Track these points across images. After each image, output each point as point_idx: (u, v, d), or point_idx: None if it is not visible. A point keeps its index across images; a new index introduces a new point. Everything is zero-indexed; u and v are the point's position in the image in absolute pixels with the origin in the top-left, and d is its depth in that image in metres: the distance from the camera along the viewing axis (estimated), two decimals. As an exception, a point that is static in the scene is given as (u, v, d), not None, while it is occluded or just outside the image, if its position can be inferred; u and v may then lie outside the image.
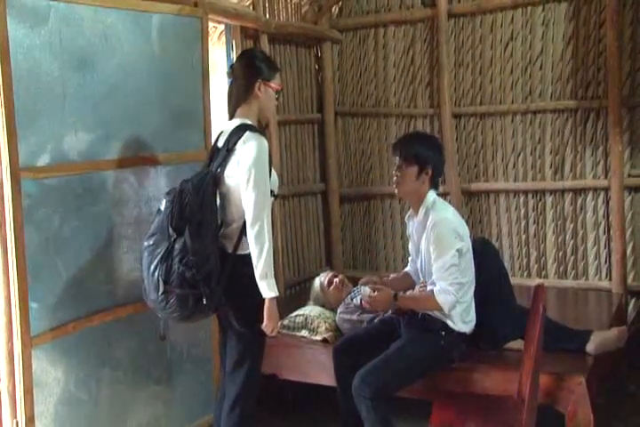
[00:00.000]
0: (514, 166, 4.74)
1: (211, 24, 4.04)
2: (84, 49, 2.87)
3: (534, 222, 4.71)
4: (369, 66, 5.14)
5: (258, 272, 2.57)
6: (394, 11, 5.00)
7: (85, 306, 2.91)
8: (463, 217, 4.58)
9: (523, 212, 4.74)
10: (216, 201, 2.67)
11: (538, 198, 4.70)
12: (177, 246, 2.54)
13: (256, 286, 2.59)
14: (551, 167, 4.62)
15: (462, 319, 3.01)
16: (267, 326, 2.64)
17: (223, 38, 4.50)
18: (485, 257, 3.24)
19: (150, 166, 3.22)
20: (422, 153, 3.00)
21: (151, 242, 2.61)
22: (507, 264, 4.32)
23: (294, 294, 4.83)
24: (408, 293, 3.14)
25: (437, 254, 2.90)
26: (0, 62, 2.49)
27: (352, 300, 3.63)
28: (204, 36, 3.51)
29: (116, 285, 3.05)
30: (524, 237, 4.75)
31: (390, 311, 3.25)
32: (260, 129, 4.57)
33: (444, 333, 2.99)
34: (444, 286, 2.88)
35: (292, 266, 4.95)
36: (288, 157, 4.96)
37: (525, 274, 4.77)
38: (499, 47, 4.69)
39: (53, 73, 2.75)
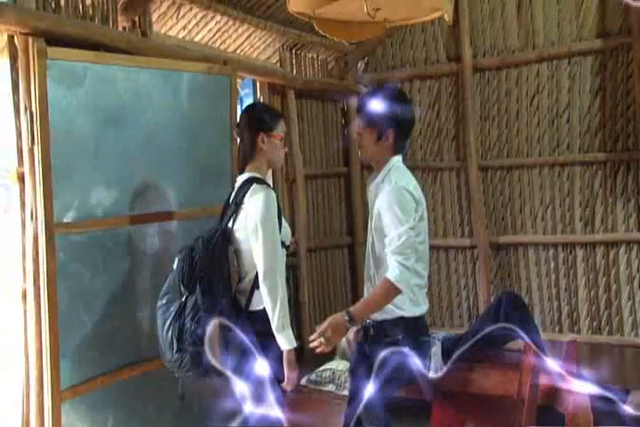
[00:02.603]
0: (542, 219, 4.79)
1: (239, 80, 4.23)
2: (116, 107, 3.06)
3: (565, 276, 4.73)
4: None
5: (274, 325, 2.59)
6: (419, 66, 5.18)
7: (114, 360, 2.99)
8: (491, 270, 4.60)
9: (553, 265, 4.77)
10: (228, 257, 2.71)
11: (568, 251, 4.73)
12: (189, 304, 2.58)
13: (269, 344, 2.61)
14: (581, 220, 4.66)
15: (411, 299, 2.65)
16: (287, 379, 2.63)
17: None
18: (514, 311, 3.24)
19: (178, 221, 3.34)
20: (381, 115, 2.64)
21: (164, 301, 2.67)
22: (537, 319, 4.33)
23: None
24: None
25: (391, 224, 2.54)
26: (39, 124, 2.68)
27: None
28: (232, 93, 3.68)
29: (144, 339, 3.13)
30: (554, 291, 4.76)
31: (351, 337, 2.98)
32: (288, 184, 4.84)
33: (406, 341, 2.66)
34: (398, 259, 2.50)
35: (319, 319, 4.97)
36: (315, 211, 5.09)
37: (557, 329, 4.75)
38: (524, 100, 4.82)
39: (87, 131, 2.93)
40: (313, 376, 3.76)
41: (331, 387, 3.69)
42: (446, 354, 3.38)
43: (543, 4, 4.69)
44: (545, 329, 4.67)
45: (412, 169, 5.04)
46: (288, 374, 2.63)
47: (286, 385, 2.65)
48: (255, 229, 2.59)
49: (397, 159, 2.69)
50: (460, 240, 5.09)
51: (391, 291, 2.50)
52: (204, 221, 3.40)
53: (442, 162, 5.14)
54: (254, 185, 2.65)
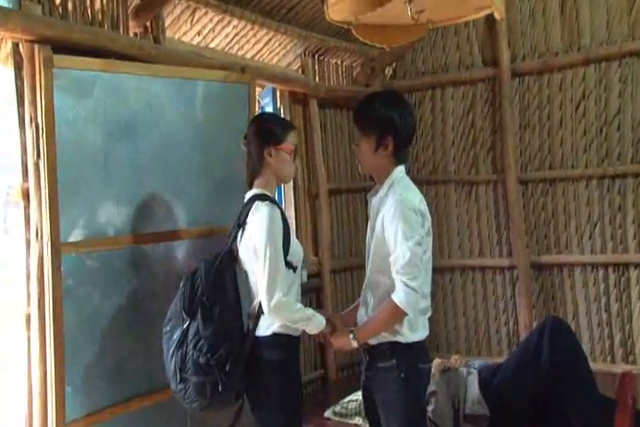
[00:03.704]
0: (590, 237, 4.75)
1: (258, 89, 4.27)
2: (127, 118, 3.10)
3: (617, 300, 4.67)
4: (425, 130, 5.31)
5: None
6: (452, 71, 5.20)
7: (123, 390, 3.01)
8: (533, 293, 4.55)
9: (603, 287, 4.71)
10: (234, 279, 2.72)
11: (620, 273, 4.67)
12: (191, 331, 2.60)
13: (274, 374, 2.63)
14: (635, 238, 4.60)
15: (410, 323, 2.60)
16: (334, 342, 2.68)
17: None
18: (559, 338, 3.22)
19: (193, 240, 3.37)
20: (377, 122, 2.61)
21: (168, 328, 2.69)
22: (585, 347, 4.25)
23: (346, 376, 4.85)
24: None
25: (395, 239, 2.49)
26: (45, 136, 2.73)
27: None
28: (250, 102, 3.71)
29: (156, 367, 3.08)
30: (604, 316, 4.69)
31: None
32: (310, 199, 4.84)
33: (401, 367, 2.61)
34: (404, 280, 2.46)
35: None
36: (340, 228, 5.10)
37: (609, 359, 4.67)
38: (569, 107, 4.80)
39: (96, 144, 2.97)
40: (338, 408, 3.75)
41: (357, 420, 3.68)
42: (483, 384, 3.35)
43: (590, 1, 4.67)
44: (595, 359, 4.61)
45: (445, 183, 5.20)
46: (331, 339, 2.70)
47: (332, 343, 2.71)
48: (256, 248, 2.60)
49: (400, 170, 2.66)
50: (498, 260, 5.06)
51: (396, 314, 2.50)
52: (222, 239, 3.42)
53: (477, 175, 5.14)
54: (256, 202, 2.66)
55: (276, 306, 2.53)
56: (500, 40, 4.93)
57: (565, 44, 4.78)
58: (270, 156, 2.72)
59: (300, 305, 2.62)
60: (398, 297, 2.46)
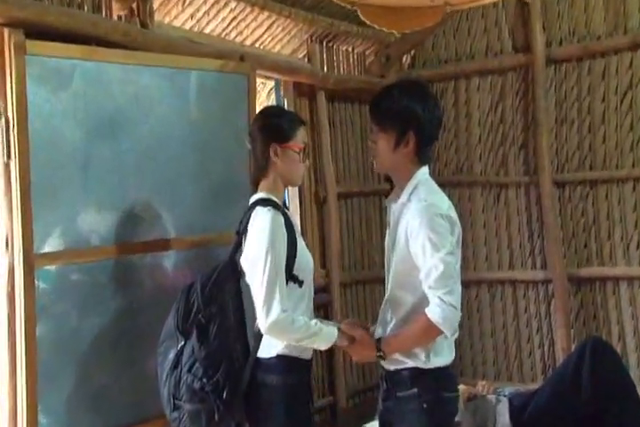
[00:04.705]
0: (638, 246, 4.73)
1: (259, 80, 4.26)
2: (111, 114, 3.08)
3: (670, 319, 4.65)
4: (448, 125, 5.27)
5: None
6: (478, 58, 5.19)
7: (106, 421, 2.98)
8: (571, 311, 4.51)
9: (652, 304, 4.69)
10: (236, 295, 2.70)
11: (674, 288, 4.65)
12: (185, 352, 2.61)
13: (278, 403, 2.60)
14: (690, 248, 4.60)
15: (435, 350, 2.56)
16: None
17: (274, 95, 4.73)
18: (601, 363, 3.20)
19: (187, 250, 3.35)
20: (397, 115, 2.55)
21: (161, 349, 2.70)
22: (633, 373, 4.21)
23: (358, 403, 4.84)
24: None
25: (424, 252, 2.43)
26: (17, 133, 2.70)
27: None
28: (250, 95, 3.70)
29: (144, 394, 3.10)
30: (655, 337, 4.68)
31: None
32: (318, 204, 4.82)
33: (423, 397, 2.56)
34: (439, 295, 2.40)
35: (356, 369, 4.95)
36: (350, 237, 5.09)
37: (661, 386, 4.65)
38: (613, 98, 4.78)
39: (76, 143, 2.95)
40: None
41: (372, 456, 3.64)
42: (515, 414, 3.32)
43: (637, -22, 4.65)
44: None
45: (470, 186, 5.18)
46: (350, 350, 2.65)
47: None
48: (253, 258, 2.58)
49: (424, 171, 2.60)
50: (532, 273, 5.04)
51: (430, 332, 2.44)
52: (221, 249, 3.40)
53: (507, 176, 5.12)
54: (257, 208, 2.64)
55: (273, 324, 2.48)
56: (533, 22, 4.90)
57: (609, 26, 4.75)
58: (276, 155, 2.69)
59: (303, 320, 2.55)
60: (434, 312, 2.39)
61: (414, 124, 2.52)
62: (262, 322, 2.51)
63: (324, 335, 2.57)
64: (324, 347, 2.60)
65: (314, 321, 2.58)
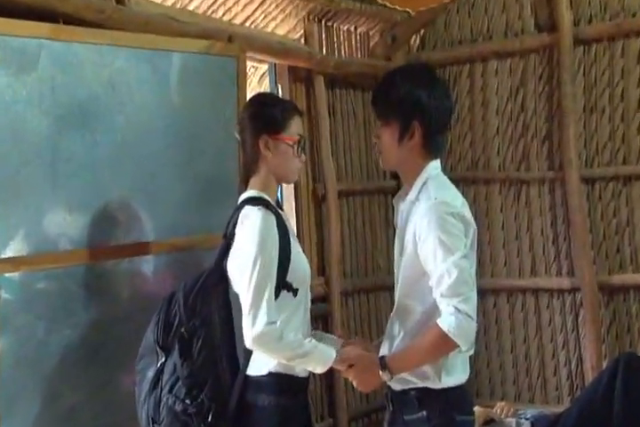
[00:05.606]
0: (677, 251, 4.74)
1: (249, 63, 4.25)
2: (82, 101, 3.07)
3: None
4: (462, 114, 5.29)
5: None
6: (497, 39, 5.18)
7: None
8: (602, 323, 4.51)
9: (694, 316, 4.71)
10: (222, 306, 2.69)
11: None
12: (166, 370, 2.62)
13: (268, 425, 2.60)
14: None
15: (446, 368, 2.55)
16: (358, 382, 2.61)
17: (267, 81, 4.71)
18: (637, 382, 3.19)
19: (169, 254, 3.36)
20: (401, 103, 2.54)
21: (140, 367, 2.71)
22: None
23: (362, 427, 4.83)
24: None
25: (435, 255, 2.42)
26: (-26, 121, 2.69)
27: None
28: (240, 81, 3.69)
29: (118, 417, 3.10)
30: (696, 353, 4.68)
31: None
32: (316, 203, 4.81)
33: (433, 421, 2.55)
34: (453, 303, 2.37)
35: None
36: (352, 239, 5.09)
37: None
38: (651, 83, 4.79)
39: (42, 133, 2.94)
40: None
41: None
42: None
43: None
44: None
45: (487, 182, 5.18)
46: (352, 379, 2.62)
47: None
48: (240, 263, 2.58)
49: (435, 166, 2.60)
50: (557, 280, 5.03)
51: (443, 345, 2.41)
52: (207, 254, 3.38)
53: (529, 172, 5.12)
54: (246, 208, 2.63)
55: (257, 337, 2.46)
56: (559, -1, 4.90)
57: (646, 1, 4.75)
58: (267, 148, 2.68)
59: (295, 337, 2.54)
60: (447, 323, 2.36)
61: (418, 112, 2.51)
62: (246, 334, 2.50)
63: (319, 355, 2.56)
64: (319, 369, 2.59)
65: (308, 339, 2.56)
